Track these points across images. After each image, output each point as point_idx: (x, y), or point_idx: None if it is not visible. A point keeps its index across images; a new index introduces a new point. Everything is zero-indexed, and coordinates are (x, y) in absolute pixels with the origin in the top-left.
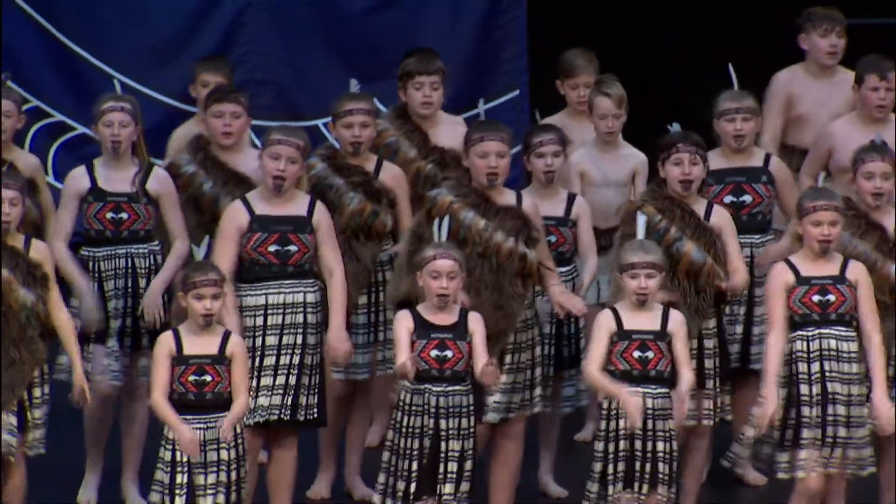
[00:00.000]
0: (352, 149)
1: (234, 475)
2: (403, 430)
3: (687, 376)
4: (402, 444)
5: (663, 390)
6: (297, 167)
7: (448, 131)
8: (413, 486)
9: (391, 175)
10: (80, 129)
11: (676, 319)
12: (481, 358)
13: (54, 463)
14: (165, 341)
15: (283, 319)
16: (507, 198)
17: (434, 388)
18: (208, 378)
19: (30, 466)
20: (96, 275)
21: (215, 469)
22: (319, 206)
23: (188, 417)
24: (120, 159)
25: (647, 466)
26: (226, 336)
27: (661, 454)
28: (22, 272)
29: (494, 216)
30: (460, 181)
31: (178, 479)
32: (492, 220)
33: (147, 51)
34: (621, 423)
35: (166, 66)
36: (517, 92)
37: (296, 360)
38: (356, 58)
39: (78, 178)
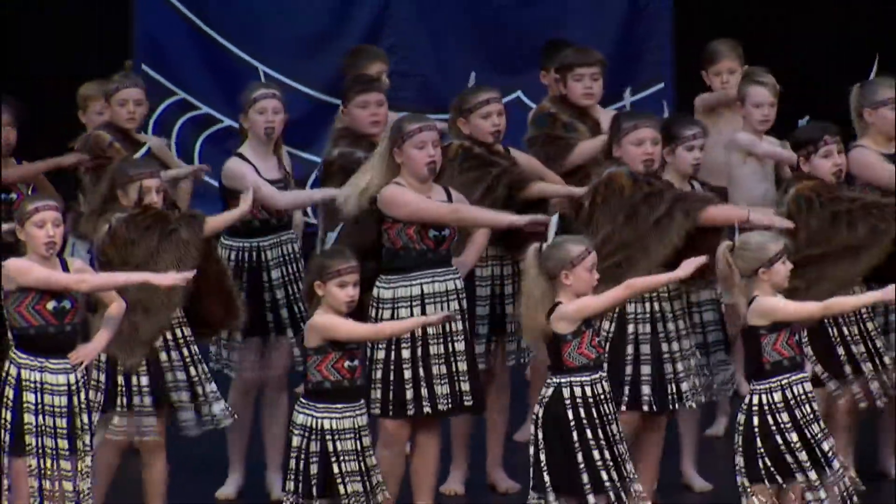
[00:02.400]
0: (492, 138)
1: (370, 461)
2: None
3: None
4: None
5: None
6: (440, 151)
7: (606, 123)
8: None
9: (522, 161)
10: (226, 122)
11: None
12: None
13: (199, 456)
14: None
15: (441, 308)
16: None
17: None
18: (357, 364)
19: (174, 458)
20: (253, 265)
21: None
22: (455, 193)
23: (339, 406)
24: (269, 147)
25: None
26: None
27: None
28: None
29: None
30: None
31: (313, 469)
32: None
33: (293, 44)
34: (782, 416)
35: (312, 59)
36: (662, 84)
37: (458, 347)
38: (500, 49)
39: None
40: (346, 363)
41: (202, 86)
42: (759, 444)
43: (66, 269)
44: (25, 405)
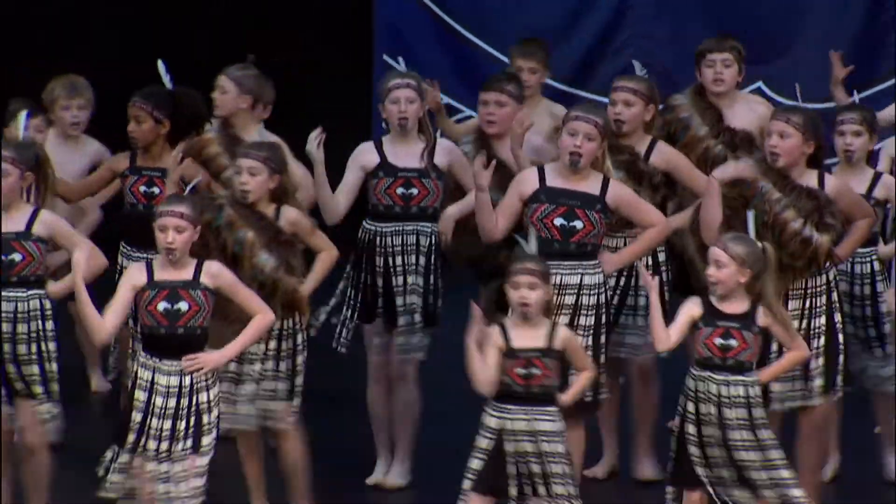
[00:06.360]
0: (614, 126)
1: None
2: (688, 416)
3: None
4: (685, 430)
5: None
6: (595, 144)
7: (744, 111)
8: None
9: (662, 157)
10: (466, 111)
11: None
12: (796, 343)
13: (345, 446)
14: (495, 334)
15: (562, 301)
16: (809, 178)
17: (716, 377)
18: (536, 371)
19: (321, 449)
20: (381, 250)
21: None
22: (614, 184)
23: (511, 408)
24: (407, 136)
25: None
26: (553, 328)
27: None
28: (266, 235)
29: (790, 193)
30: (764, 159)
31: (510, 469)
32: (787, 197)
33: (532, 33)
34: None
35: (552, 49)
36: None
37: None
38: (742, 40)
39: (366, 152)
40: (519, 370)
41: (442, 76)
42: None
43: (199, 271)
44: (135, 402)
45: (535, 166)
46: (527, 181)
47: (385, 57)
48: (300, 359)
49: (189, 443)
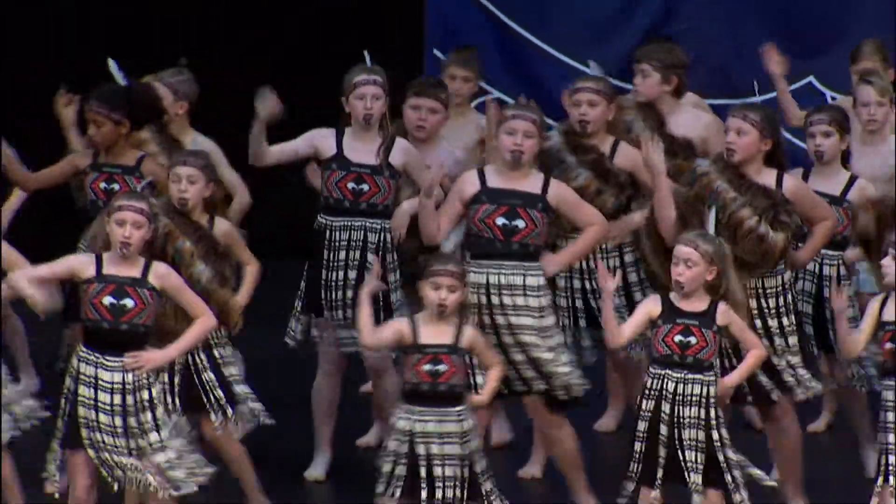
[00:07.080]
0: (580, 127)
1: (466, 471)
2: (643, 414)
3: None
4: (639, 428)
5: None
6: (534, 141)
7: (689, 119)
8: (639, 468)
9: (626, 157)
10: None
11: None
12: (753, 342)
13: (283, 441)
14: (400, 327)
15: (502, 300)
16: (767, 178)
17: (673, 375)
18: (443, 368)
19: (259, 446)
20: (330, 244)
21: (440, 463)
22: (555, 183)
23: (420, 409)
24: (369, 132)
25: None
26: (460, 328)
27: None
28: (204, 247)
29: (746, 191)
30: (721, 157)
31: (422, 471)
32: (743, 195)
33: (583, 27)
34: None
35: (603, 44)
36: None
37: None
38: (792, 33)
39: (325, 136)
40: (427, 367)
41: (493, 70)
42: None
43: (147, 270)
44: (80, 399)
45: (476, 168)
46: (467, 183)
47: (435, 52)
48: (231, 370)
49: (153, 437)
